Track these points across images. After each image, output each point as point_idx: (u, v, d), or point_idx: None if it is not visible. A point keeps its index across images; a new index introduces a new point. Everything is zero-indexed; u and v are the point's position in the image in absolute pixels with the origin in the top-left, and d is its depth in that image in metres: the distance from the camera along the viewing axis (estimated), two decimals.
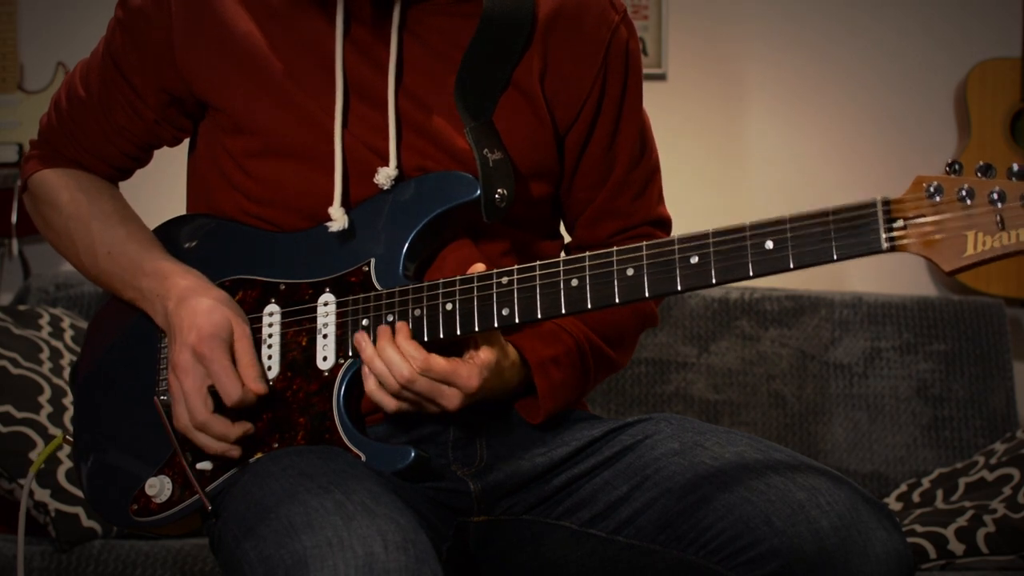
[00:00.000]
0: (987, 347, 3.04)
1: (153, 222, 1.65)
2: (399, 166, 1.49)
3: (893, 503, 2.77)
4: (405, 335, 1.41)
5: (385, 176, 1.48)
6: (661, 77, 3.39)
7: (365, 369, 1.43)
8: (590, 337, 1.55)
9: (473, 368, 1.41)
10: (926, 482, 2.79)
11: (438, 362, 1.39)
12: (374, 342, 1.42)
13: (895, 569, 1.32)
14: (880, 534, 1.32)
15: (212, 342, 1.45)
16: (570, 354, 1.53)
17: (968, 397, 3.00)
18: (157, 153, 1.71)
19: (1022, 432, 2.80)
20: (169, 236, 1.61)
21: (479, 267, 1.43)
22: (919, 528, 2.45)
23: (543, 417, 1.52)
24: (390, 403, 1.42)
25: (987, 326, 3.05)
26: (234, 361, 1.47)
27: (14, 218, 3.10)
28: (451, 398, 1.41)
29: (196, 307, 1.47)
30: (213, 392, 1.46)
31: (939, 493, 2.70)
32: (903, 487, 2.83)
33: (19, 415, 2.46)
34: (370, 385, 1.42)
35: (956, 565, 2.41)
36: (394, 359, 1.39)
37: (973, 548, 2.40)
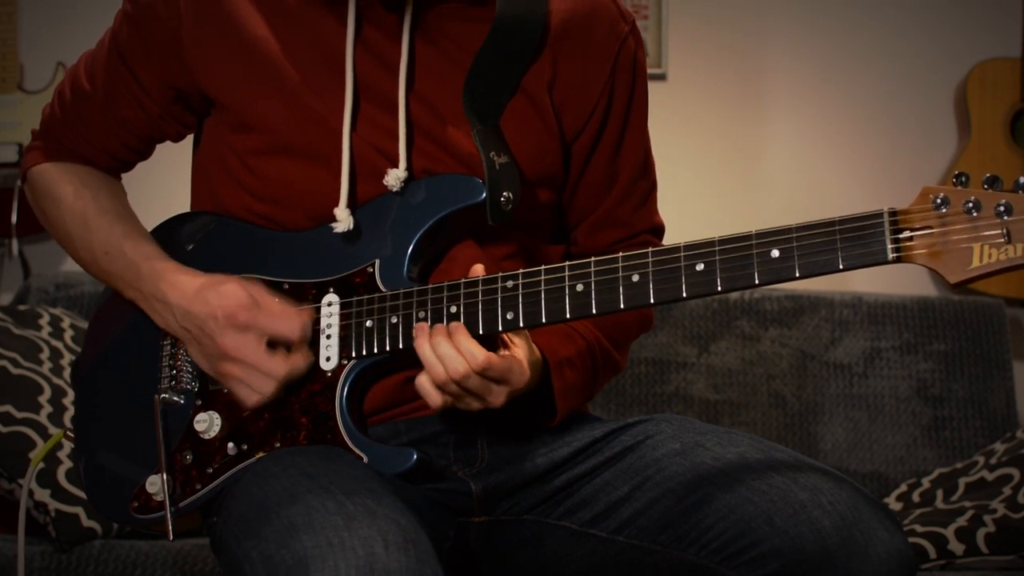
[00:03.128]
0: (987, 347, 3.04)
1: (157, 218, 1.65)
2: (408, 168, 1.49)
3: (893, 503, 2.77)
4: (465, 334, 1.39)
5: (395, 177, 1.48)
6: (661, 77, 3.39)
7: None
8: (600, 339, 1.56)
9: (523, 364, 1.40)
10: (926, 482, 2.79)
11: (495, 361, 1.37)
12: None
13: (896, 569, 1.32)
14: (882, 534, 1.32)
15: (243, 308, 1.45)
16: (582, 356, 1.53)
17: (968, 397, 3.00)
18: (161, 148, 1.71)
19: (1022, 432, 2.80)
20: (173, 233, 1.61)
21: (479, 268, 1.42)
22: (919, 528, 2.45)
23: (558, 420, 1.51)
24: (436, 398, 1.40)
25: (987, 326, 3.05)
26: None
27: (14, 218, 3.10)
28: (499, 395, 1.40)
29: (207, 298, 1.47)
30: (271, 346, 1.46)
31: (939, 493, 2.70)
32: (903, 487, 2.83)
33: (19, 415, 2.46)
34: (421, 379, 1.40)
35: (956, 565, 2.41)
36: (449, 354, 1.37)
37: (973, 548, 2.40)
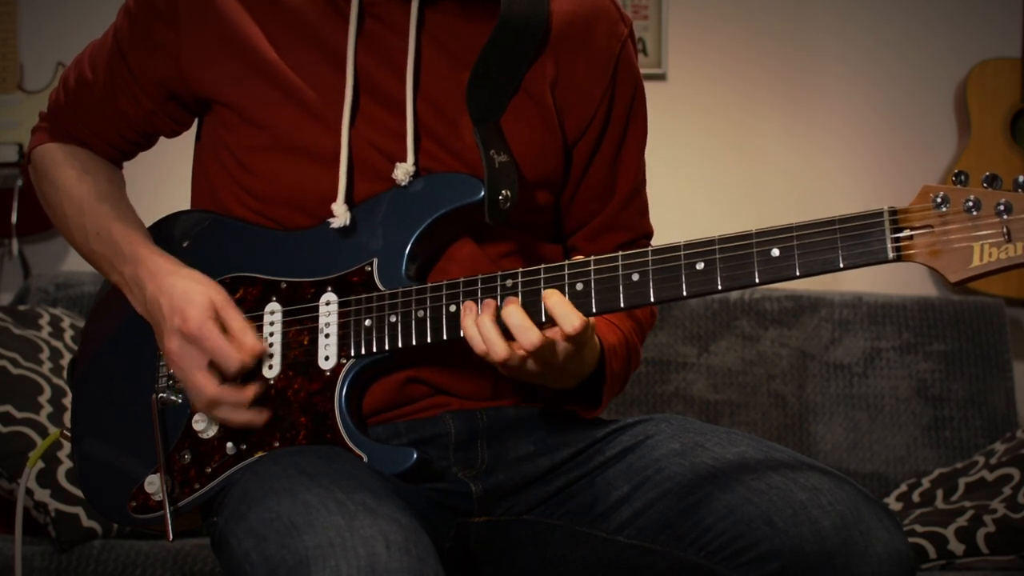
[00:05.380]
0: (987, 347, 3.04)
1: (158, 214, 1.66)
2: (416, 163, 1.49)
3: (893, 503, 2.77)
4: (513, 310, 1.36)
5: (404, 172, 1.48)
6: (661, 77, 3.39)
7: (466, 320, 1.38)
8: (630, 333, 1.56)
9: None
10: (926, 482, 2.79)
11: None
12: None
13: (896, 569, 1.32)
14: (881, 534, 1.32)
15: (198, 320, 1.45)
16: (622, 346, 1.53)
17: (968, 397, 3.00)
18: (163, 145, 1.73)
19: (1022, 432, 2.80)
20: (170, 230, 1.62)
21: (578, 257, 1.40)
22: (919, 528, 2.45)
23: (600, 411, 1.52)
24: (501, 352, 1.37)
25: (987, 326, 3.05)
26: (224, 332, 1.47)
27: (14, 218, 3.10)
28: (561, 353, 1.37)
29: (172, 292, 1.48)
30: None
31: (939, 493, 2.70)
32: (903, 487, 2.83)
33: (19, 415, 2.46)
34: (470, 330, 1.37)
35: (956, 565, 2.41)
36: (491, 336, 1.35)
37: (973, 548, 2.40)
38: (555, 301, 1.35)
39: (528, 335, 1.34)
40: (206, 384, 1.45)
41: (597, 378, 1.50)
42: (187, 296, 1.47)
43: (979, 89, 3.35)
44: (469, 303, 1.39)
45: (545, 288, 1.37)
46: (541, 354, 1.36)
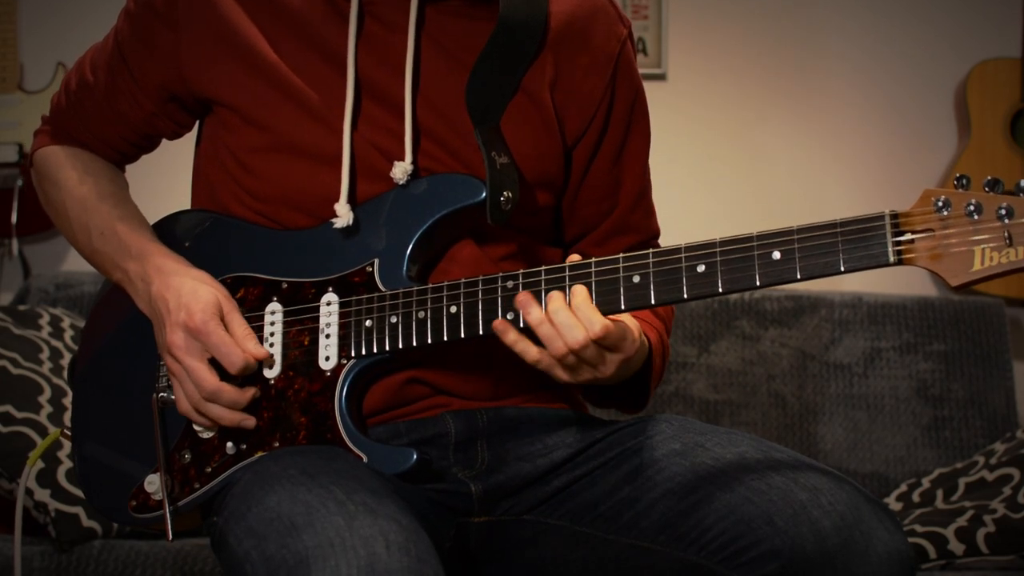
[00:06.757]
0: (987, 347, 3.04)
1: (157, 215, 1.66)
2: (413, 163, 1.49)
3: (893, 503, 2.77)
4: (586, 298, 1.35)
5: (402, 171, 1.48)
6: (661, 77, 3.39)
7: (499, 324, 1.37)
8: (663, 332, 1.57)
9: (634, 333, 1.39)
10: (926, 482, 2.79)
11: (611, 328, 1.35)
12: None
13: (897, 569, 1.32)
14: (882, 534, 1.32)
15: (203, 316, 1.45)
16: (659, 344, 1.54)
17: (968, 397, 3.00)
18: (165, 146, 1.73)
19: (1022, 432, 2.80)
20: (171, 231, 1.62)
21: (576, 258, 1.40)
22: (919, 528, 2.45)
23: (644, 409, 1.52)
24: (538, 358, 1.37)
25: (987, 326, 3.05)
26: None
27: (14, 218, 3.10)
28: (611, 364, 1.38)
29: (180, 288, 1.48)
30: (214, 364, 1.46)
31: (939, 493, 2.70)
32: (903, 487, 2.83)
33: (19, 415, 2.46)
34: (510, 337, 1.37)
35: (956, 565, 2.41)
36: (568, 322, 1.34)
37: (973, 548, 2.40)
38: (579, 302, 1.35)
39: (574, 332, 1.34)
40: (208, 376, 1.45)
41: (637, 376, 1.50)
42: (195, 294, 1.47)
43: (979, 89, 3.35)
44: (526, 297, 1.37)
45: (547, 290, 1.37)
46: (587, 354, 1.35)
